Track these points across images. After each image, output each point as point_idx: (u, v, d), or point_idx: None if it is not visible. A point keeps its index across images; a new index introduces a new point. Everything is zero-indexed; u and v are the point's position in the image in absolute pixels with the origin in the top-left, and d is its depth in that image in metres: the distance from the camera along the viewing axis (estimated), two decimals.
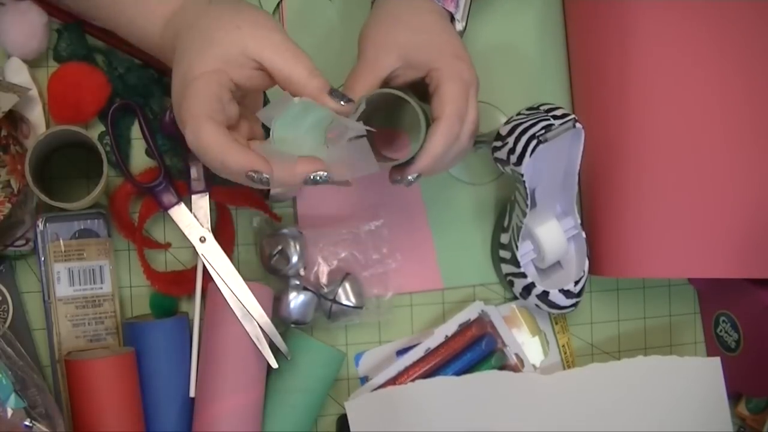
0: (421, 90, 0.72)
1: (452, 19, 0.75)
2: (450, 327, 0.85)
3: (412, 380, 0.83)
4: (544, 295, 0.84)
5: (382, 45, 0.71)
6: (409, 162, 0.70)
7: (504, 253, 0.85)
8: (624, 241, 0.83)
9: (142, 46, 0.70)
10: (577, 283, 0.84)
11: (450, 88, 0.69)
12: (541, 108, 0.78)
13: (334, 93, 0.63)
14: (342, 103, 0.63)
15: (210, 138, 0.60)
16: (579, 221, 0.85)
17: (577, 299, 0.84)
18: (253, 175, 0.60)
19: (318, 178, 0.62)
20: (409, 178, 0.70)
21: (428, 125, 0.70)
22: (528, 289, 0.84)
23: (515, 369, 0.87)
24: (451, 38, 0.73)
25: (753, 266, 0.82)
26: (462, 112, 0.70)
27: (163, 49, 0.67)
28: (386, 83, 0.71)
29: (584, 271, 0.85)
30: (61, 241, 0.75)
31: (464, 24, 0.76)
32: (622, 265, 0.83)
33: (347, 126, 0.63)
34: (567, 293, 0.83)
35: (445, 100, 0.69)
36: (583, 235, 0.85)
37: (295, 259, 0.79)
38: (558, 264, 0.87)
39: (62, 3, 0.75)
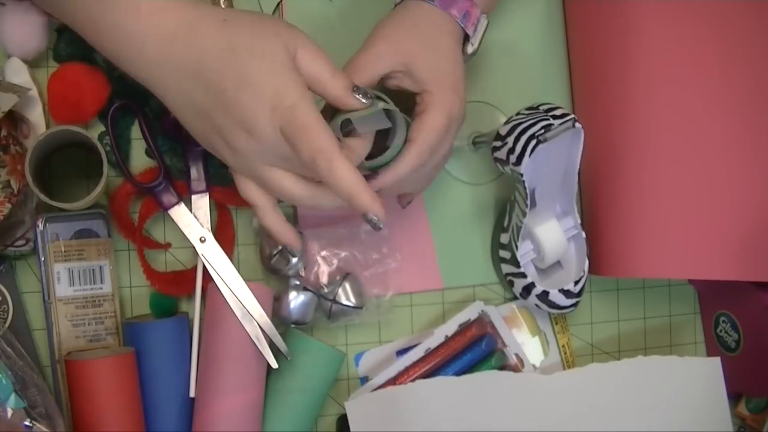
0: (405, 101, 0.72)
1: (466, 38, 0.75)
2: (450, 327, 0.85)
3: (412, 380, 0.83)
4: (544, 295, 0.84)
5: (392, 45, 0.70)
6: (374, 172, 0.70)
7: (504, 253, 0.85)
8: (624, 241, 0.83)
9: (122, 60, 0.64)
10: (577, 283, 0.84)
11: (435, 118, 0.69)
12: (541, 108, 0.78)
13: (358, 91, 0.64)
14: (364, 101, 0.63)
15: (344, 173, 0.61)
16: (579, 221, 0.85)
17: (577, 299, 0.84)
18: (372, 218, 0.62)
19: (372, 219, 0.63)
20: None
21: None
22: (528, 289, 0.84)
23: (515, 369, 0.87)
24: (457, 70, 0.72)
25: (753, 268, 0.82)
26: (436, 145, 0.70)
27: (152, 69, 0.63)
28: (380, 81, 0.71)
29: (584, 271, 0.84)
30: (61, 241, 0.75)
31: (476, 47, 0.75)
32: (622, 265, 0.83)
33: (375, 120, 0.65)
34: (567, 293, 0.83)
35: (426, 128, 0.69)
36: (583, 235, 0.85)
37: (295, 259, 0.79)
38: (558, 264, 0.87)
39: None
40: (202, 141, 0.66)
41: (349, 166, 0.61)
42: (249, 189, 0.67)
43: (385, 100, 0.67)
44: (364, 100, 0.63)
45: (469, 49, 0.75)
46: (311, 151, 0.60)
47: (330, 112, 0.67)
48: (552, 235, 0.84)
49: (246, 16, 0.64)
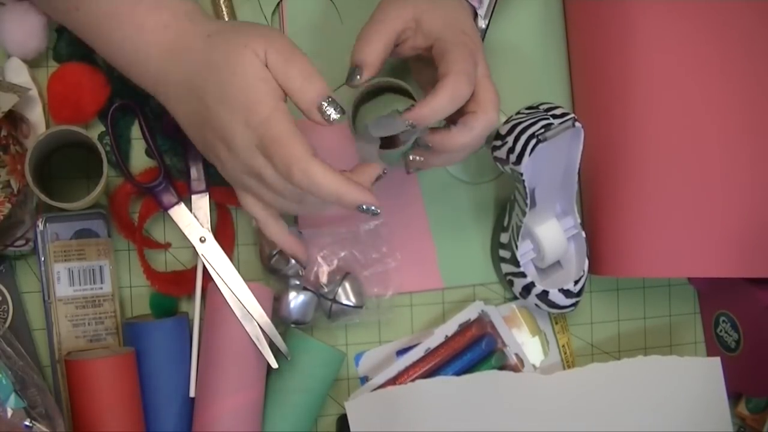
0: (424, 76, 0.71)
1: (475, 16, 0.74)
2: (450, 327, 0.85)
3: (412, 380, 0.83)
4: (543, 295, 0.84)
5: (399, 4, 0.70)
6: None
7: (504, 253, 0.85)
8: (624, 241, 0.83)
9: (132, 72, 0.68)
10: (576, 282, 0.84)
11: (457, 52, 0.67)
12: (541, 107, 0.78)
13: (329, 103, 0.62)
14: (333, 116, 0.62)
15: (323, 177, 0.61)
16: (579, 221, 0.85)
17: (577, 299, 0.84)
18: (365, 207, 0.63)
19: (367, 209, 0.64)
20: (407, 122, 0.66)
21: None
22: (528, 288, 0.84)
23: (515, 369, 0.87)
24: (464, 18, 0.71)
25: (752, 265, 0.82)
26: (470, 75, 0.67)
27: (157, 80, 0.66)
28: (396, 51, 0.71)
29: (584, 271, 0.84)
30: (61, 241, 0.75)
31: (487, 22, 0.75)
32: (622, 264, 0.83)
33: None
34: (567, 293, 0.83)
35: (453, 60, 0.67)
36: (583, 234, 0.85)
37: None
38: (558, 263, 0.87)
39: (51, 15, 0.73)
40: (200, 149, 0.69)
41: (325, 167, 0.61)
42: (247, 201, 0.69)
43: (399, 84, 0.68)
44: (332, 115, 0.62)
45: (481, 23, 0.75)
46: (285, 161, 0.60)
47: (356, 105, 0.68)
48: (552, 234, 0.84)
49: (227, 29, 0.65)
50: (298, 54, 0.63)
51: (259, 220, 0.69)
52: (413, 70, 0.76)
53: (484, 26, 0.75)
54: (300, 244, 0.72)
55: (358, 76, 0.68)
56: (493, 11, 0.75)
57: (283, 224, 0.71)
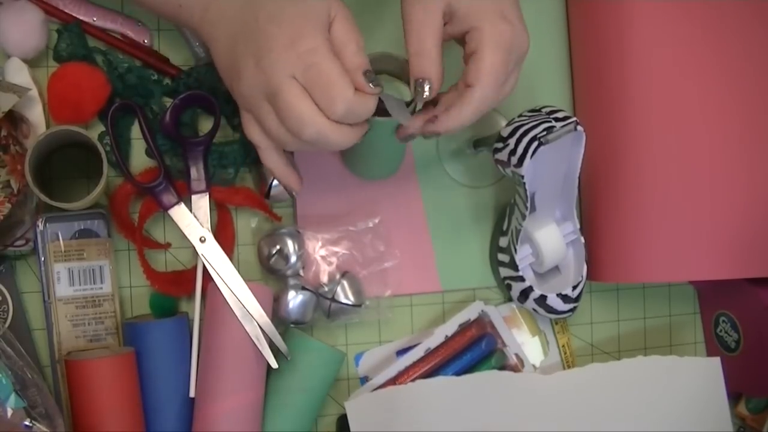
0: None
1: None
2: (450, 327, 0.85)
3: (412, 380, 0.83)
4: (541, 300, 0.83)
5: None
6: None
7: (502, 257, 0.85)
8: (622, 247, 0.83)
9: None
10: (575, 288, 0.84)
11: (488, 56, 0.65)
12: (543, 110, 0.78)
13: (368, 75, 0.64)
14: (370, 85, 0.64)
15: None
16: (578, 226, 0.85)
17: (575, 304, 0.84)
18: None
19: None
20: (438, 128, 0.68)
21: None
22: (526, 293, 0.84)
23: (515, 369, 0.87)
24: None
25: (752, 265, 0.82)
26: (499, 81, 0.66)
27: (214, 3, 0.67)
28: None
29: (582, 276, 0.84)
30: (61, 241, 0.75)
31: None
32: (621, 270, 0.83)
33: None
34: (565, 298, 0.83)
35: (483, 68, 0.65)
36: (582, 240, 0.85)
37: (293, 258, 0.79)
38: (556, 268, 0.87)
39: None
40: (220, 66, 0.68)
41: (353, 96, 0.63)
42: (251, 127, 0.68)
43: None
44: (369, 84, 0.64)
45: None
46: (327, 90, 0.62)
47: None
48: (551, 239, 0.83)
49: None
50: (357, 28, 0.65)
51: (260, 148, 0.69)
52: None
53: None
54: (296, 175, 0.72)
55: (427, 90, 0.67)
56: None
57: (282, 155, 0.71)
